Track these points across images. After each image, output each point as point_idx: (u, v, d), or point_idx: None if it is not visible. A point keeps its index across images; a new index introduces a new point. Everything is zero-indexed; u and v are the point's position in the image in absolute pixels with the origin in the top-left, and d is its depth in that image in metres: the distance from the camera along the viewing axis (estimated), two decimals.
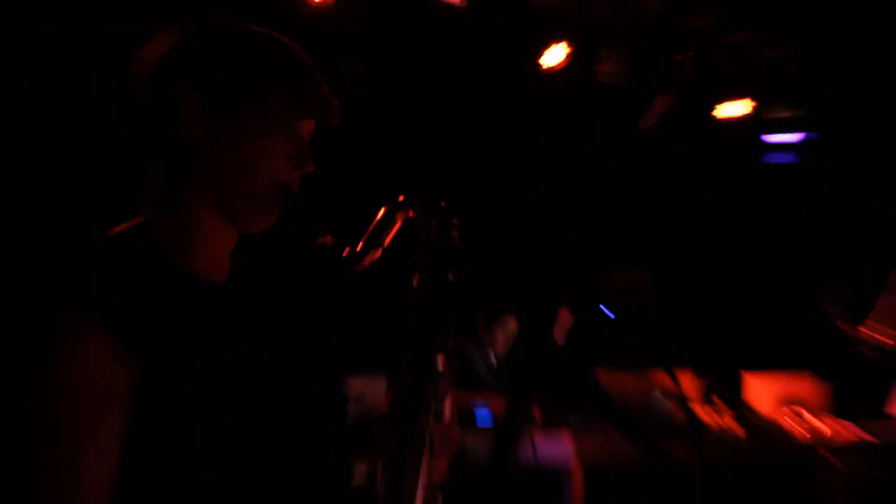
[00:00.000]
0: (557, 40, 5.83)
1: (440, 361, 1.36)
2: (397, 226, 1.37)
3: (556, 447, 3.36)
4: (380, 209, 1.38)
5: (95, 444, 1.18)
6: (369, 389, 3.94)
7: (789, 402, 4.67)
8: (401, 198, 1.39)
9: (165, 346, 1.23)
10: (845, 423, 4.81)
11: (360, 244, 1.35)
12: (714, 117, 6.69)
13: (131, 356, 1.20)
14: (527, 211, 6.01)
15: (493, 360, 4.79)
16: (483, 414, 3.94)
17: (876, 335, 5.21)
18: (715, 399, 4.26)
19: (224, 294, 1.38)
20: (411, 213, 1.39)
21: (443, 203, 1.40)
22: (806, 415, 4.53)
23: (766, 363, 5.03)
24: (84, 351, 1.17)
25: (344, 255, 1.34)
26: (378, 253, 1.36)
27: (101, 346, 1.18)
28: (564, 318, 1.12)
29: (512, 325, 4.86)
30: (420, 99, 5.38)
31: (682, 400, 3.97)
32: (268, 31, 1.40)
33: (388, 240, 1.36)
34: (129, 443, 1.22)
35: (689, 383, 4.16)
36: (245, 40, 1.37)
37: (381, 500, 1.31)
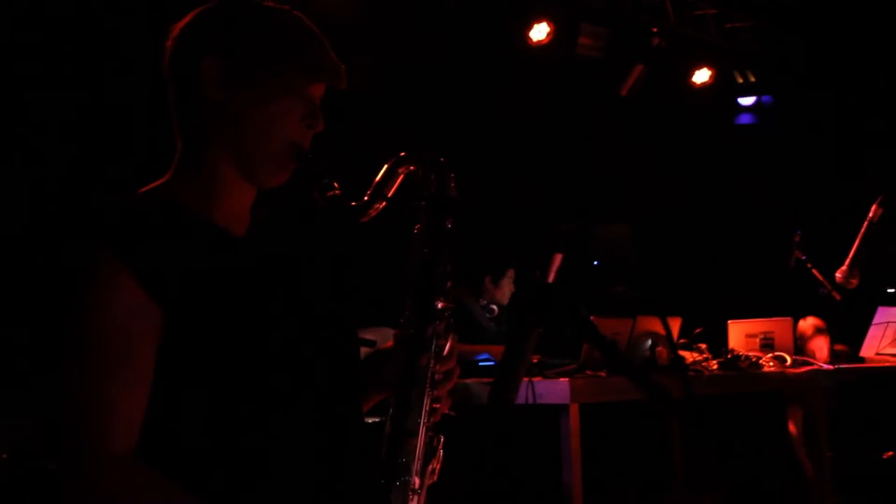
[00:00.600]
0: (540, 19, 5.79)
1: (439, 303, 1.38)
2: (399, 179, 1.39)
3: (553, 386, 3.37)
4: (383, 165, 1.40)
5: (123, 377, 1.21)
6: (379, 338, 3.96)
7: (770, 345, 4.67)
8: (402, 154, 1.41)
9: (188, 294, 1.25)
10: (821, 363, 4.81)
11: (366, 196, 1.37)
12: (686, 83, 6.65)
13: (156, 302, 1.23)
14: (522, 172, 5.99)
15: (496, 310, 4.78)
16: (485, 357, 3.94)
17: (848, 279, 5.21)
18: (700, 346, 4.26)
19: (243, 245, 1.40)
20: (412, 168, 1.40)
21: (441, 159, 1.41)
22: (785, 356, 4.52)
23: (748, 310, 5.02)
24: (114, 295, 1.21)
25: (352, 206, 1.36)
26: (382, 204, 1.37)
27: (129, 292, 1.22)
28: (556, 261, 1.11)
29: (513, 275, 4.85)
30: (421, 69, 5.34)
31: (669, 341, 3.97)
32: (280, 5, 1.43)
33: (391, 192, 1.38)
34: (157, 383, 1.24)
35: (675, 330, 4.15)
36: (260, 12, 1.40)
37: (389, 432, 1.35)
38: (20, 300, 3.58)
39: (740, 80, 7.25)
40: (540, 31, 5.84)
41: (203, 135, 1.36)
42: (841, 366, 4.70)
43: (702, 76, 6.68)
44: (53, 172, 4.01)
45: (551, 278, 1.16)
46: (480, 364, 3.86)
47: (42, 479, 3.21)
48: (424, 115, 5.34)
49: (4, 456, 3.20)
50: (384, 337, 4.02)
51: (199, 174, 1.37)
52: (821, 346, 5.07)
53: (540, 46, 5.89)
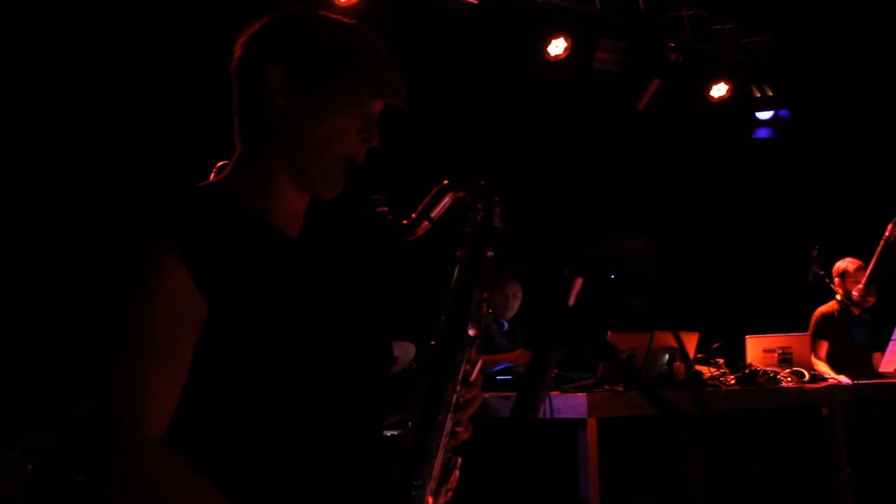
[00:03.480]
0: (557, 34, 5.82)
1: (472, 330, 1.38)
2: (447, 203, 1.40)
3: (570, 401, 3.37)
4: (433, 188, 1.41)
5: (161, 364, 1.23)
6: (401, 353, 3.98)
7: (788, 360, 4.65)
8: (446, 182, 1.42)
9: (235, 289, 1.27)
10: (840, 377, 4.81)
11: (413, 216, 1.39)
12: (703, 97, 6.65)
13: (203, 293, 1.25)
14: (539, 187, 6.00)
15: (505, 325, 4.79)
16: (502, 367, 3.94)
17: (865, 297, 5.22)
18: (718, 360, 4.24)
19: (295, 246, 1.41)
20: (461, 194, 1.41)
21: (482, 182, 1.42)
22: (803, 371, 4.50)
23: (766, 325, 5.00)
24: (162, 284, 1.23)
25: (399, 224, 1.39)
26: (428, 225, 1.39)
27: (178, 282, 1.24)
28: (577, 285, 1.13)
29: (514, 289, 4.84)
30: (439, 85, 5.37)
31: (684, 357, 3.97)
32: (349, 20, 1.44)
33: (437, 214, 1.40)
34: (194, 371, 1.26)
35: (692, 345, 4.14)
36: (329, 25, 1.42)
37: (410, 450, 1.36)
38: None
39: (758, 95, 7.25)
40: (557, 47, 5.87)
41: (263, 140, 1.38)
42: (860, 381, 4.69)
43: (719, 90, 6.68)
44: (119, 162, 4.15)
45: (572, 301, 1.18)
46: (498, 378, 3.87)
47: (67, 489, 3.25)
48: (443, 131, 5.37)
49: (30, 467, 3.24)
50: (405, 351, 4.06)
51: (256, 176, 1.39)
52: (859, 282, 5.24)
53: (558, 61, 5.91)
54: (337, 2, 4.92)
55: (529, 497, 4.04)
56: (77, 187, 4.12)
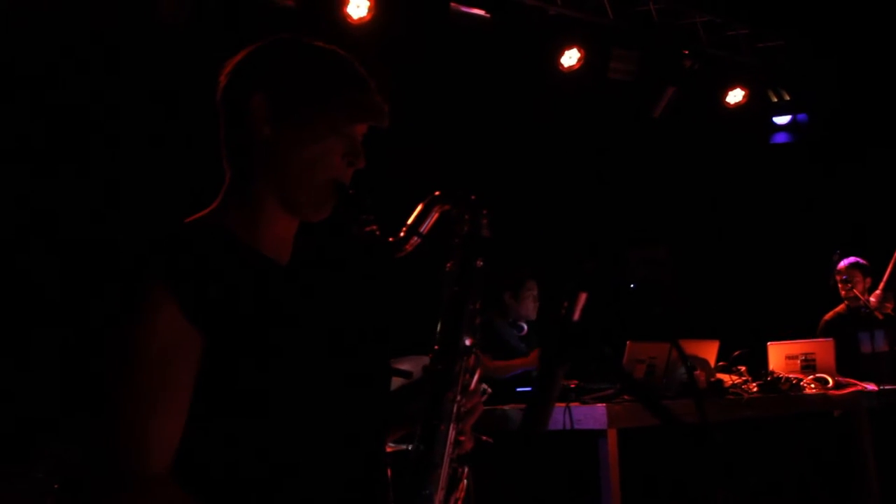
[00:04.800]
0: (571, 45, 5.83)
1: (467, 340, 1.41)
2: (434, 217, 1.42)
3: (590, 412, 3.35)
4: (419, 203, 1.43)
5: (162, 402, 1.25)
6: (415, 367, 3.98)
7: (812, 366, 4.60)
8: (437, 192, 1.45)
9: (230, 321, 1.28)
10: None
11: (402, 232, 1.41)
12: (720, 103, 6.63)
13: (198, 328, 1.27)
14: (557, 198, 6.00)
15: (525, 328, 4.74)
16: (520, 373, 3.93)
17: (883, 303, 5.17)
18: (740, 368, 4.21)
19: (287, 274, 1.43)
20: (447, 207, 1.44)
21: (473, 196, 1.44)
22: (827, 377, 4.45)
23: (788, 331, 4.96)
24: (157, 323, 1.25)
25: (388, 241, 1.40)
26: (417, 241, 1.41)
27: (173, 319, 1.25)
28: (581, 300, 1.13)
29: (535, 289, 4.79)
30: (452, 100, 5.40)
31: (704, 366, 3.94)
32: (330, 46, 1.46)
33: (426, 229, 1.41)
34: (195, 405, 1.27)
35: (713, 353, 4.10)
36: (308, 52, 1.44)
37: (414, 462, 1.37)
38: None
39: (775, 99, 7.21)
40: (571, 58, 5.87)
41: (250, 167, 1.40)
42: (885, 387, 4.63)
43: (735, 96, 6.65)
44: (108, 198, 4.20)
45: (577, 316, 1.18)
46: (518, 390, 3.86)
47: None
48: (456, 142, 5.38)
49: (56, 486, 3.27)
50: (420, 365, 4.05)
51: (245, 204, 1.41)
52: (860, 282, 5.24)
53: (572, 72, 5.91)
54: (349, 18, 4.95)
55: None
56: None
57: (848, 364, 5.12)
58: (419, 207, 1.42)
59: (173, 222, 1.39)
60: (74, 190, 4.20)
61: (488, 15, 5.43)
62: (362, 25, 4.95)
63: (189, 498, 1.25)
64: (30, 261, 4.22)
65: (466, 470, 1.42)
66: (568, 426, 3.36)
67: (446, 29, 5.33)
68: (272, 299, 1.35)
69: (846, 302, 5.42)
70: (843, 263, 5.39)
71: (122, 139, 4.35)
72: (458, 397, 1.40)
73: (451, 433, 1.38)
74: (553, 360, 1.15)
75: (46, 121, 4.22)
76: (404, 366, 3.04)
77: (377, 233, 1.38)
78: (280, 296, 1.37)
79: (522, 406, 3.58)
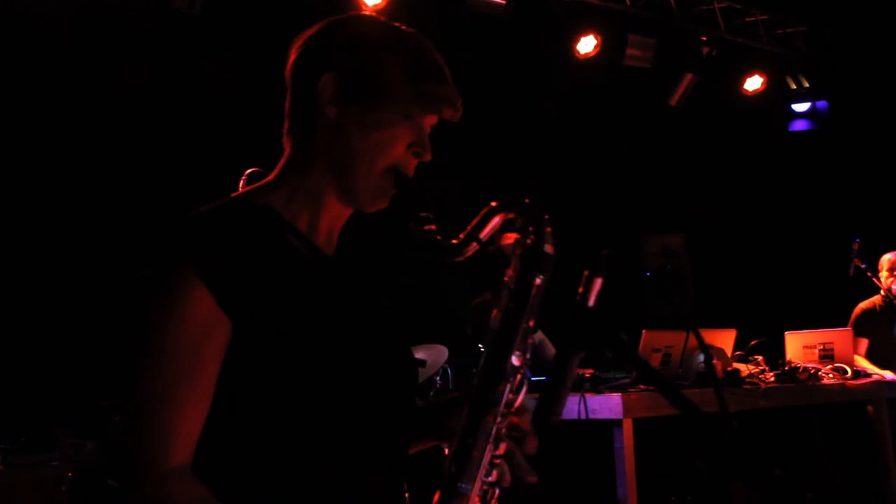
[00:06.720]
0: (587, 32, 5.78)
1: (516, 359, 1.31)
2: (496, 224, 1.32)
3: (606, 401, 3.33)
4: (483, 208, 1.33)
5: (187, 393, 1.21)
6: (431, 357, 3.96)
7: (830, 356, 4.55)
8: (498, 201, 1.33)
9: (261, 308, 1.23)
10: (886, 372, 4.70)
11: (461, 236, 1.31)
12: (738, 90, 6.55)
13: (228, 314, 1.22)
14: (573, 185, 5.96)
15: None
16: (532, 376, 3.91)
17: None
18: (757, 357, 4.17)
19: (332, 264, 1.36)
20: (510, 215, 1.33)
21: (541, 210, 1.32)
22: (845, 367, 4.40)
23: (806, 321, 4.90)
24: (186, 311, 1.21)
25: (447, 244, 1.31)
26: (476, 246, 1.31)
27: (203, 307, 1.21)
28: (597, 285, 1.08)
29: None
30: (466, 86, 5.36)
31: (721, 355, 3.91)
32: (409, 28, 1.38)
33: (486, 236, 1.32)
34: (218, 395, 1.23)
35: (730, 342, 4.06)
36: (386, 34, 1.36)
37: (445, 485, 1.28)
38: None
39: (794, 86, 7.13)
40: (587, 45, 5.82)
41: (310, 148, 1.34)
42: None
43: (754, 83, 6.57)
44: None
45: (592, 302, 1.15)
46: (533, 379, 3.83)
47: (105, 496, 3.29)
48: (471, 129, 5.35)
49: (70, 474, 3.28)
50: (436, 354, 4.04)
51: (299, 185, 1.34)
52: None
53: (588, 59, 5.86)
54: (364, 5, 4.92)
55: (567, 498, 4.01)
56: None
57: (883, 355, 5.07)
58: (481, 213, 1.31)
59: (218, 201, 1.32)
60: (94, 176, 4.22)
61: (503, 1, 5.39)
62: (378, 13, 4.93)
63: (206, 491, 1.22)
64: (50, 250, 4.23)
65: (497, 493, 1.32)
66: (583, 416, 3.34)
67: (462, 16, 5.29)
68: (311, 289, 1.28)
69: (883, 293, 5.31)
70: (893, 256, 5.29)
71: (135, 127, 4.35)
72: (499, 419, 1.30)
73: (487, 455, 1.29)
74: (567, 347, 1.12)
75: (57, 110, 4.23)
76: (420, 354, 3.02)
77: (437, 235, 1.30)
78: (320, 287, 1.31)
79: (536, 395, 3.55)
